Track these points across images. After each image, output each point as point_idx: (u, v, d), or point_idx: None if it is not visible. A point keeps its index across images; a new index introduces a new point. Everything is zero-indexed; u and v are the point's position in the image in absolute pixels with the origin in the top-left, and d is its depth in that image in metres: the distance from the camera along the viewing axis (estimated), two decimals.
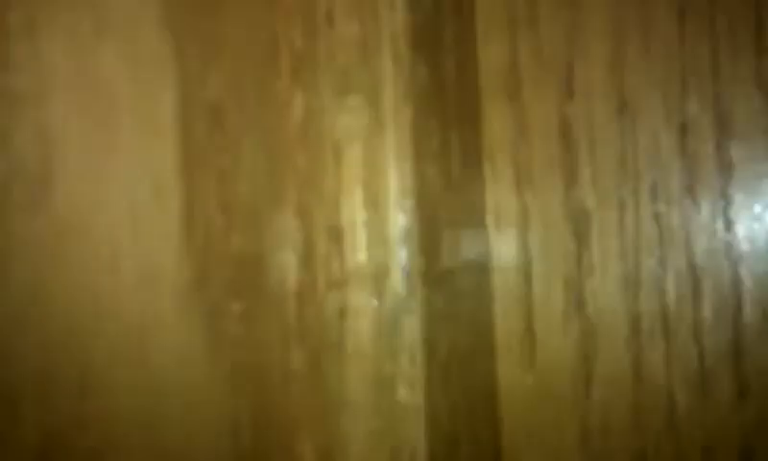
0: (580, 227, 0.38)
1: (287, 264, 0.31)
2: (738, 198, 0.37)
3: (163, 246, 0.30)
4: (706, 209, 0.37)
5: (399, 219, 0.32)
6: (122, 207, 0.31)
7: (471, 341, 0.36)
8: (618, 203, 0.38)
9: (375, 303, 0.32)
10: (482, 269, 0.38)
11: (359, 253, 0.32)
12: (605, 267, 0.38)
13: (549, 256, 0.38)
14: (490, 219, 0.39)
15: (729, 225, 0.37)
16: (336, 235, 0.32)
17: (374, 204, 0.32)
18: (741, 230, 0.37)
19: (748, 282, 0.37)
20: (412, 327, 0.32)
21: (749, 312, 0.37)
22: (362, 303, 0.32)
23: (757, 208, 0.37)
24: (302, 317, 0.31)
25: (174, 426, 0.30)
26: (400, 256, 0.32)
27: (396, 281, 0.32)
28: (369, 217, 0.32)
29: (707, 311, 0.37)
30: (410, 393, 0.32)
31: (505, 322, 0.38)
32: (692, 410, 0.37)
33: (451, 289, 0.35)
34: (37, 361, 0.30)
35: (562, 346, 0.38)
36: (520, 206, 0.39)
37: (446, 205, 0.35)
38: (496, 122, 0.39)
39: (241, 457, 0.30)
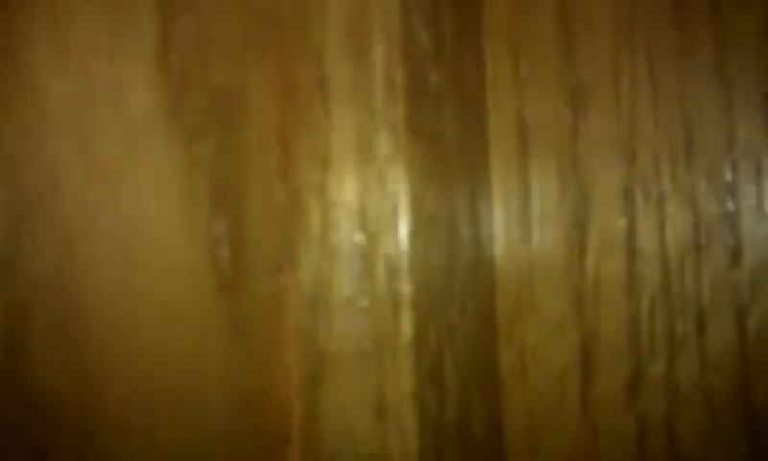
0: (577, 98, 0.39)
1: (267, 106, 0.31)
2: (731, 53, 0.37)
3: (139, 73, 0.31)
4: (700, 66, 0.37)
5: (386, 75, 0.33)
6: (97, 28, 0.32)
7: (462, 205, 0.37)
8: (614, 68, 0.38)
9: (359, 154, 0.32)
10: (476, 137, 0.39)
11: (343, 104, 0.32)
12: (600, 135, 0.38)
13: (545, 127, 0.39)
14: (488, 91, 0.39)
15: (725, 82, 0.37)
16: (320, 84, 0.32)
17: (360, 58, 0.33)
18: (737, 84, 0.37)
19: (744, 136, 0.37)
20: (396, 182, 0.32)
21: (743, 173, 0.37)
22: (346, 154, 0.32)
23: (751, 62, 0.37)
24: (284, 158, 0.31)
25: (151, 238, 0.30)
26: (386, 111, 0.33)
27: (382, 137, 0.32)
28: (354, 71, 0.32)
29: (700, 175, 0.37)
30: (393, 243, 0.32)
31: (500, 189, 0.39)
32: (685, 277, 0.38)
33: (440, 152, 0.35)
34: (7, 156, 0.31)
35: (557, 213, 0.38)
36: (517, 79, 0.39)
37: (438, 70, 0.35)
38: None
39: (222, 280, 0.30)
